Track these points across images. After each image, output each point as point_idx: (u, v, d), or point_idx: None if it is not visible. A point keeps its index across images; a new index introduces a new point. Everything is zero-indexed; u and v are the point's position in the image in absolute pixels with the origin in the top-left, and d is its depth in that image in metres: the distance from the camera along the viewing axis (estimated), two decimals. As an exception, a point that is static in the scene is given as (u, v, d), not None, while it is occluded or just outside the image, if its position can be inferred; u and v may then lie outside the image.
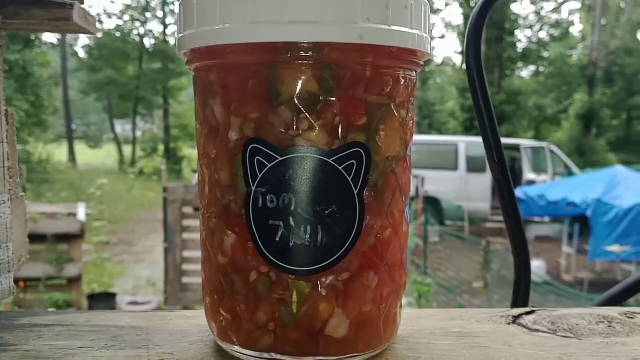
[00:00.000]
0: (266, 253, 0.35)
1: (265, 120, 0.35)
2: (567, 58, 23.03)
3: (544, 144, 12.01)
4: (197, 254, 5.48)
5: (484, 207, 11.01)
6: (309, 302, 0.36)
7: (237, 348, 0.38)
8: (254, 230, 0.35)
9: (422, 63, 0.39)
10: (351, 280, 0.36)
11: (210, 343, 0.41)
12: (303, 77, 0.34)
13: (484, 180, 11.02)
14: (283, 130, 0.34)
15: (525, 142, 12.48)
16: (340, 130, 0.34)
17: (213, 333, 0.40)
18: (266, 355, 0.37)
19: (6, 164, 0.52)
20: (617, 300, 0.54)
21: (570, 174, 11.13)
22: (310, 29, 0.33)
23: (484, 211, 10.99)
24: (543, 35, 23.29)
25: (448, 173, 10.80)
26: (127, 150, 25.30)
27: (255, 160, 0.35)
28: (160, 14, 24.47)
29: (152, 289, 7.11)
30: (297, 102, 0.34)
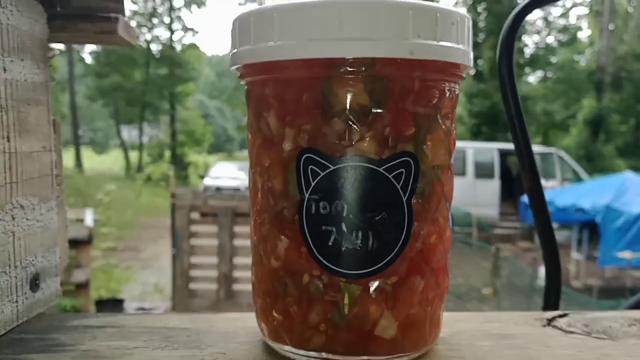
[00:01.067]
0: (319, 257, 0.37)
1: (318, 132, 0.36)
2: (574, 63, 23.00)
3: (552, 150, 12.00)
4: (206, 259, 5.51)
5: (492, 213, 11.00)
6: (359, 304, 0.37)
7: (288, 348, 0.40)
8: (307, 235, 0.37)
9: (464, 76, 0.40)
10: (399, 283, 0.38)
11: (259, 344, 0.43)
12: (355, 91, 0.36)
13: (492, 186, 11.02)
14: (336, 141, 0.36)
15: (533, 148, 12.45)
16: (389, 140, 0.36)
17: (263, 334, 0.42)
18: (317, 355, 0.39)
19: (54, 171, 0.54)
20: (645, 304, 0.55)
21: (578, 179, 11.11)
22: (364, 45, 0.35)
23: (492, 217, 10.97)
24: (551, 40, 23.27)
25: (456, 179, 10.72)
26: (134, 156, 25.39)
27: (309, 169, 0.37)
28: (167, 19, 24.61)
29: (159, 295, 7.13)
30: (349, 114, 0.36)
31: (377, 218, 0.37)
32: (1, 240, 0.44)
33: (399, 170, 0.37)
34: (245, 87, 0.41)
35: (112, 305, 5.74)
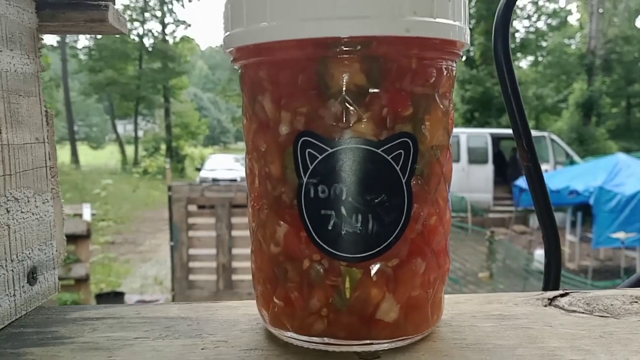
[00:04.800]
0: (319, 241, 0.37)
1: (315, 114, 0.36)
2: (565, 47, 22.99)
3: (544, 134, 12.03)
4: (204, 251, 5.51)
5: (486, 197, 11.05)
6: (360, 288, 0.37)
7: (290, 334, 0.39)
8: (306, 220, 0.37)
9: (461, 53, 0.40)
10: (400, 266, 0.37)
11: (260, 330, 0.42)
12: (351, 71, 0.35)
13: (486, 171, 11.05)
14: (333, 123, 0.36)
15: (527, 131, 12.48)
16: (387, 121, 0.36)
17: (265, 320, 0.41)
18: (319, 340, 0.38)
19: (48, 163, 0.53)
20: (645, 281, 0.55)
21: (571, 162, 11.15)
22: (359, 24, 0.34)
23: (486, 202, 11.02)
24: (541, 25, 23.25)
25: (450, 165, 10.81)
26: (129, 150, 25.33)
27: (307, 153, 0.36)
28: (158, 13, 24.46)
29: (159, 287, 7.14)
30: (345, 95, 0.35)
31: (376, 200, 0.36)
32: (-4, 234, 0.44)
33: (398, 152, 0.36)
34: (239, 71, 0.41)
35: (113, 298, 5.77)
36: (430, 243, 0.38)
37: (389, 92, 0.36)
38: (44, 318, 0.47)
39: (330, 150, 0.36)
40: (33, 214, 0.49)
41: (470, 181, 10.90)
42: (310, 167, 0.36)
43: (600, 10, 20.84)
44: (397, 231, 0.37)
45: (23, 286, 0.48)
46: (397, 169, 0.36)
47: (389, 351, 0.38)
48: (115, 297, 5.87)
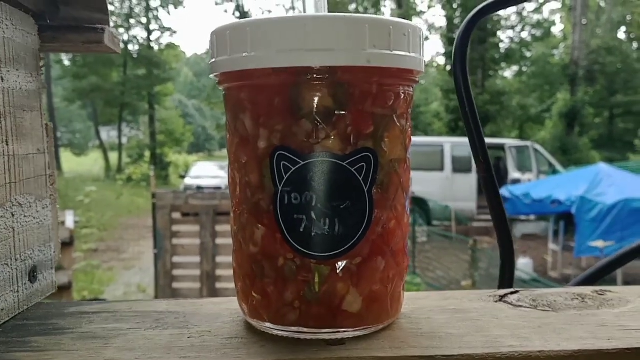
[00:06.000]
0: (292, 242, 0.42)
1: (289, 131, 0.41)
2: (549, 57, 23.33)
3: (528, 143, 12.19)
4: (188, 259, 5.53)
5: (470, 206, 11.14)
6: (328, 283, 0.42)
7: (267, 324, 0.45)
8: (281, 223, 0.42)
9: (417, 79, 0.46)
10: (363, 263, 0.43)
11: (240, 322, 0.48)
12: (320, 95, 0.41)
13: (470, 180, 11.15)
14: (304, 139, 0.41)
15: (509, 142, 12.65)
16: (352, 138, 0.41)
17: (244, 313, 0.47)
18: (293, 329, 0.44)
19: (47, 172, 0.58)
20: (591, 280, 0.61)
21: (554, 172, 11.30)
22: (327, 55, 0.40)
23: (470, 211, 11.11)
24: (525, 35, 23.58)
25: (434, 174, 10.91)
26: (113, 157, 25.20)
27: (282, 165, 0.42)
28: (144, 20, 24.44)
29: (142, 295, 7.14)
30: (315, 115, 0.41)
31: (342, 206, 0.42)
32: (3, 236, 0.49)
33: (361, 164, 0.42)
34: (223, 93, 0.46)
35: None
36: (389, 244, 0.44)
37: (353, 113, 0.41)
38: (45, 312, 0.52)
39: (302, 163, 0.41)
40: (34, 218, 0.54)
41: (455, 190, 11.00)
42: (285, 177, 0.42)
43: (584, 22, 21.18)
44: (359, 233, 0.42)
45: (25, 283, 0.52)
46: (360, 179, 0.42)
47: (353, 339, 0.44)
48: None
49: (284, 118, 0.41)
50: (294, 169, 0.41)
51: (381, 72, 0.42)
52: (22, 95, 0.53)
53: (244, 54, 0.42)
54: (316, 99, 0.41)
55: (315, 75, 0.41)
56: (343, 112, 0.41)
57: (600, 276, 0.60)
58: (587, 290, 0.55)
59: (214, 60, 0.45)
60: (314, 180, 0.41)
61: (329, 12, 0.47)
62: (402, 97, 0.44)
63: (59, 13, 0.60)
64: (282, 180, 0.42)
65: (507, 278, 0.60)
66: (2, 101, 0.49)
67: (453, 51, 0.60)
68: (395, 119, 0.43)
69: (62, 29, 0.59)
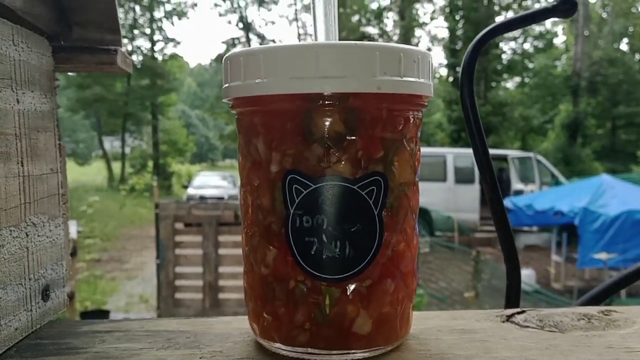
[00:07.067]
0: (303, 264, 0.43)
1: (301, 155, 0.42)
2: (551, 69, 23.37)
3: (530, 154, 12.19)
4: (190, 269, 5.53)
5: (472, 217, 11.13)
6: (338, 305, 0.43)
7: (277, 345, 0.45)
8: (293, 245, 0.43)
9: (426, 104, 0.46)
10: (373, 286, 0.43)
11: (251, 342, 0.48)
12: (331, 120, 0.42)
13: (473, 191, 11.15)
14: (316, 163, 0.42)
15: (512, 153, 12.66)
16: (362, 162, 0.42)
17: (255, 333, 0.47)
18: (303, 350, 0.44)
19: (60, 191, 0.59)
20: (596, 300, 0.62)
21: (557, 183, 11.29)
22: (338, 82, 0.41)
23: (473, 221, 11.10)
24: (527, 46, 23.65)
25: (437, 184, 10.91)
26: (116, 166, 25.26)
27: (293, 188, 0.42)
28: (148, 30, 24.58)
29: (144, 305, 7.13)
30: (327, 140, 0.42)
31: (352, 229, 0.42)
32: (17, 255, 0.49)
33: (371, 188, 0.42)
34: (236, 117, 0.47)
35: (98, 316, 5.74)
36: (399, 266, 0.45)
37: (364, 138, 0.42)
38: (57, 331, 0.52)
39: (314, 186, 0.42)
40: (47, 237, 0.55)
41: (457, 201, 11.00)
42: (297, 200, 0.42)
43: (586, 33, 21.25)
44: (370, 256, 0.43)
45: (38, 302, 0.53)
46: (371, 202, 0.43)
47: (363, 360, 0.44)
48: (100, 315, 5.85)
49: (296, 143, 0.42)
50: (305, 192, 0.42)
51: (391, 98, 0.43)
52: (36, 117, 0.54)
53: (257, 80, 0.42)
54: (328, 124, 0.42)
55: (327, 102, 0.41)
56: (354, 137, 0.42)
57: (607, 296, 0.61)
58: (593, 310, 0.56)
59: (227, 85, 0.46)
60: (325, 204, 0.42)
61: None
62: (411, 121, 0.45)
63: (72, 34, 0.61)
64: (293, 203, 0.42)
65: (513, 297, 0.60)
66: (17, 123, 0.50)
67: (460, 74, 0.61)
68: (404, 143, 0.44)
69: (75, 50, 0.60)
